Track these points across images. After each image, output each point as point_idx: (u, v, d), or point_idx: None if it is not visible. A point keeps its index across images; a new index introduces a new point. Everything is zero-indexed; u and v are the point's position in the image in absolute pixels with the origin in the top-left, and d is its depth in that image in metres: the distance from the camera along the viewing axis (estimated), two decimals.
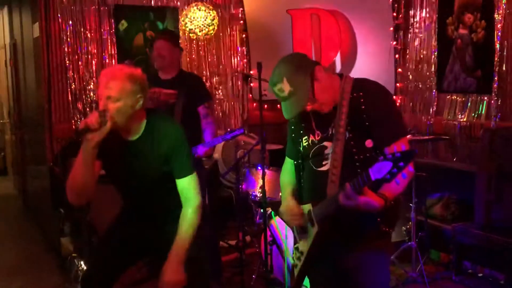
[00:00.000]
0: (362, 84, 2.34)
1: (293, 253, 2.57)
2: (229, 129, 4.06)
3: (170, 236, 2.74)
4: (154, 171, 2.72)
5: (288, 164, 2.65)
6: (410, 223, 4.25)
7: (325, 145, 2.36)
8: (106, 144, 2.68)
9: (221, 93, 6.25)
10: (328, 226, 2.32)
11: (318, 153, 2.38)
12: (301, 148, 2.47)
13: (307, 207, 2.42)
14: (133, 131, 2.71)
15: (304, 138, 2.45)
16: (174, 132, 2.73)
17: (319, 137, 2.38)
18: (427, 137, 4.78)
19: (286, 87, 2.27)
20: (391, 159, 1.95)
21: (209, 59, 6.17)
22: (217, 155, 5.40)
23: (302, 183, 2.51)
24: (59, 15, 5.41)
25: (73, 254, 4.59)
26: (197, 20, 5.53)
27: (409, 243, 4.21)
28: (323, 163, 2.35)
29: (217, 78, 6.22)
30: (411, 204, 4.24)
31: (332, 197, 2.23)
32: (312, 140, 2.41)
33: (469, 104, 4.67)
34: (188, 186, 2.72)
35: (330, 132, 2.34)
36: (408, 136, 4.56)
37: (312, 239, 2.38)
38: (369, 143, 2.15)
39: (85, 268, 4.25)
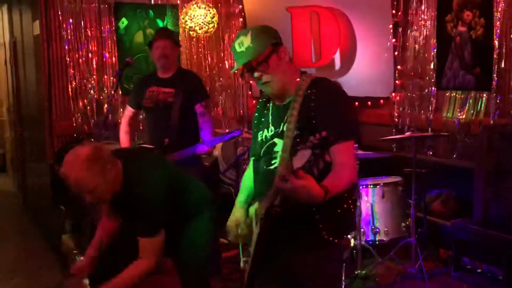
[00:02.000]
0: (318, 82, 2.29)
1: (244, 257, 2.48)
2: (227, 130, 4.08)
3: (180, 244, 2.85)
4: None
5: (251, 166, 2.58)
6: (409, 219, 4.27)
7: (275, 142, 2.29)
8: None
9: (220, 91, 6.26)
10: (269, 224, 2.21)
11: (268, 151, 2.32)
12: (257, 145, 2.40)
13: (254, 207, 2.35)
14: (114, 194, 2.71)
15: (259, 134, 2.39)
16: (147, 186, 2.67)
17: (272, 133, 2.33)
18: (426, 134, 4.79)
19: (247, 41, 2.23)
20: (309, 147, 1.92)
21: (209, 57, 6.18)
22: (217, 152, 5.42)
23: (256, 183, 2.43)
24: (59, 13, 5.42)
25: (73, 251, 4.61)
26: (197, 18, 5.55)
27: (408, 239, 4.23)
28: (272, 162, 2.29)
29: (216, 75, 6.23)
30: (410, 201, 4.26)
31: (272, 187, 2.13)
32: (265, 136, 2.35)
33: (468, 101, 4.69)
34: (146, 247, 2.70)
35: (281, 129, 2.28)
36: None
37: (255, 240, 2.30)
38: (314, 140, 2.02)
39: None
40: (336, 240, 2.26)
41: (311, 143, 1.91)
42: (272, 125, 2.33)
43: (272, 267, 2.33)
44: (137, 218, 2.68)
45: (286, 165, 1.99)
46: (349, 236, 2.47)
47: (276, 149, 2.26)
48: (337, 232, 2.27)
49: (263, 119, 2.41)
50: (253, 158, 2.47)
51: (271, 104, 2.39)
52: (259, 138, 2.38)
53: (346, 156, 2.17)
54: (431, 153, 5.00)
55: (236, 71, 2.38)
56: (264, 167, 2.32)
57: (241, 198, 2.53)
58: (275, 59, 2.26)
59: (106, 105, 5.58)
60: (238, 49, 2.26)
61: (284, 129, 2.24)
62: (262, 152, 2.34)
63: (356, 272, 4.13)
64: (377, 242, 4.28)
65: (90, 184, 2.54)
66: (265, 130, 2.36)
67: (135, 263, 2.71)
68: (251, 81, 5.86)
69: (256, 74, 2.28)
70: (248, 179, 2.55)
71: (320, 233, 2.22)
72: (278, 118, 2.31)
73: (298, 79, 2.31)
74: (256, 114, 2.48)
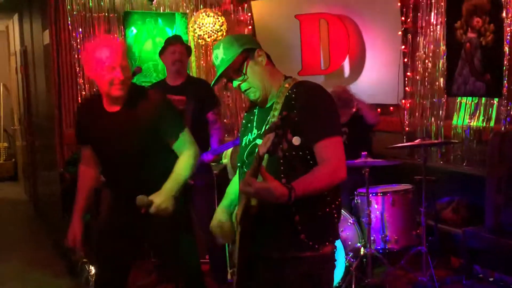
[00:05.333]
0: (301, 83, 2.28)
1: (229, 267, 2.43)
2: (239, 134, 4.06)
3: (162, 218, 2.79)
4: (137, 142, 2.79)
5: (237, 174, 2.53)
6: (420, 227, 4.23)
7: (257, 143, 2.21)
8: (90, 118, 2.84)
9: (229, 99, 6.27)
10: (248, 224, 2.16)
11: (251, 153, 2.26)
12: (242, 149, 2.36)
13: (236, 210, 2.32)
14: (118, 102, 2.80)
15: (244, 138, 2.37)
16: (154, 99, 2.83)
17: (254, 135, 2.30)
18: (436, 141, 4.76)
19: (220, 54, 2.25)
20: (273, 129, 1.90)
21: None
22: (225, 160, 5.41)
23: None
24: (69, 22, 5.46)
25: (83, 260, 4.61)
26: (206, 26, 5.56)
27: (419, 247, 4.19)
28: None
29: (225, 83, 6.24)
30: (420, 209, 4.22)
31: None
32: (248, 140, 2.32)
33: (478, 107, 4.66)
34: (183, 143, 2.86)
35: (263, 130, 2.25)
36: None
37: (238, 244, 2.23)
38: (296, 140, 1.98)
39: (94, 272, 4.27)
40: (316, 246, 2.18)
41: (274, 124, 1.91)
42: (255, 128, 2.32)
43: (257, 279, 2.26)
44: (161, 124, 2.80)
45: (250, 169, 1.98)
46: (334, 243, 2.35)
47: (257, 150, 2.15)
48: (317, 237, 2.19)
49: (249, 125, 2.38)
50: (238, 164, 2.43)
51: (256, 109, 2.37)
52: (243, 143, 2.35)
53: (329, 153, 2.13)
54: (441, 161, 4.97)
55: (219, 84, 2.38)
56: (246, 170, 2.26)
57: (224, 202, 2.48)
58: (250, 64, 2.25)
59: None
60: (215, 63, 2.29)
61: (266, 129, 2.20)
62: (245, 156, 2.30)
63: (366, 281, 4.11)
64: (387, 250, 4.25)
65: (126, 61, 2.75)
66: (249, 134, 2.33)
67: (182, 158, 2.87)
68: None
69: (235, 84, 2.28)
70: (233, 186, 2.51)
71: (299, 236, 2.17)
72: (262, 121, 2.29)
73: (281, 82, 2.28)
74: (244, 121, 2.45)
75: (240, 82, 2.27)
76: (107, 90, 2.75)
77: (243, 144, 2.35)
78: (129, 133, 2.79)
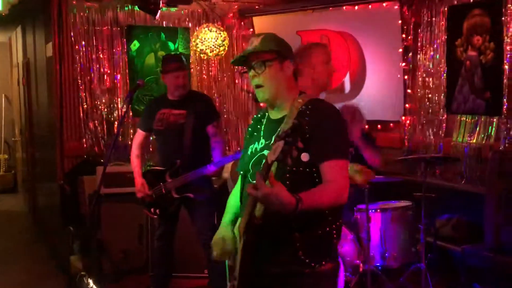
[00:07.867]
0: (315, 101, 2.28)
1: (228, 281, 2.36)
2: (239, 148, 4.08)
3: None
4: None
5: (238, 185, 2.50)
6: (419, 244, 4.23)
7: (265, 154, 2.21)
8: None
9: (231, 113, 6.29)
10: (251, 236, 2.14)
11: (257, 163, 2.25)
12: (246, 158, 2.35)
13: (238, 223, 2.28)
14: None
15: (250, 147, 2.35)
16: None
17: (262, 145, 2.28)
18: (436, 155, 4.76)
19: (256, 42, 2.27)
20: (282, 137, 1.91)
21: (220, 79, 6.22)
22: (226, 174, 5.42)
23: (243, 200, 2.33)
24: (72, 35, 5.49)
25: (82, 273, 4.60)
26: (208, 41, 5.59)
27: (418, 264, 4.19)
28: None
29: (227, 98, 6.27)
30: (420, 226, 4.22)
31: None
32: (255, 149, 2.30)
33: (478, 125, 4.68)
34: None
35: (272, 141, 2.21)
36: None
37: (239, 256, 2.20)
38: (304, 156, 2.01)
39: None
40: (312, 264, 2.17)
41: (284, 133, 1.91)
42: (263, 138, 2.30)
43: None
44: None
45: (259, 174, 1.97)
46: (334, 261, 2.33)
47: (264, 161, 2.11)
48: (314, 255, 2.18)
49: (255, 134, 2.37)
50: (241, 173, 2.41)
51: (265, 119, 2.37)
52: (249, 152, 2.34)
53: (335, 174, 2.13)
54: (438, 175, 4.97)
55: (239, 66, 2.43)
56: (250, 180, 2.26)
57: (226, 218, 2.45)
58: (276, 67, 2.26)
59: (116, 126, 5.64)
60: (248, 48, 2.29)
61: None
62: (250, 165, 2.28)
63: None
64: (386, 267, 4.24)
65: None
66: (256, 143, 2.32)
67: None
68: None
69: (251, 73, 2.28)
70: (234, 198, 2.48)
71: (297, 253, 2.16)
72: (271, 132, 2.27)
73: (295, 97, 2.29)
74: (250, 129, 2.44)
75: (256, 74, 2.26)
76: None
77: (248, 153, 2.34)
78: None
